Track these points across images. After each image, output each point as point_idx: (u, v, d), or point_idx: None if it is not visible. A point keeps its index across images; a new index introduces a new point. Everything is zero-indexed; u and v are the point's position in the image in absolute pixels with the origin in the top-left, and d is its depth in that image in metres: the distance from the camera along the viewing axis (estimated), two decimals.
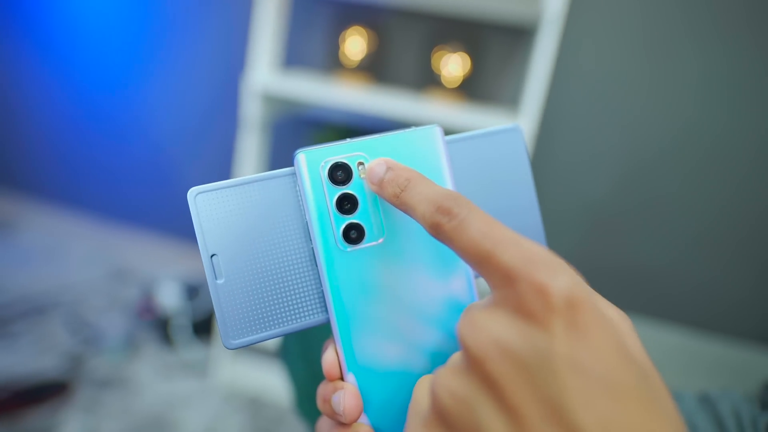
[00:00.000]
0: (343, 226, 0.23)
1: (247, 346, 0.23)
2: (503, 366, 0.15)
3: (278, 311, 0.23)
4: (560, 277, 0.15)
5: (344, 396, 0.22)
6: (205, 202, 0.23)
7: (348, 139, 0.24)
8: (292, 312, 0.23)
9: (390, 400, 0.23)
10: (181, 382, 1.08)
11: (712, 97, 1.08)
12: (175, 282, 1.26)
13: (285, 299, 0.23)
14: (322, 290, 0.24)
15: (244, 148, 0.98)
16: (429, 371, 0.23)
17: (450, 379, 0.16)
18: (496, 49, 1.15)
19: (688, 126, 1.11)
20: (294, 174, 0.24)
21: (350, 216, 0.23)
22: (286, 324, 0.23)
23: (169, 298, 1.22)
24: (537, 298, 0.15)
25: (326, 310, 0.24)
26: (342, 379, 0.23)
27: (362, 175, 0.23)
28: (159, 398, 1.02)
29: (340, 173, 0.23)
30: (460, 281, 0.24)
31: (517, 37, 1.13)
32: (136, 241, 1.54)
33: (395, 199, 0.21)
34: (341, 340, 0.23)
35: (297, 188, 0.24)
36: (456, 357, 0.18)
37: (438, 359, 0.24)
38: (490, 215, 0.19)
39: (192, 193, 0.22)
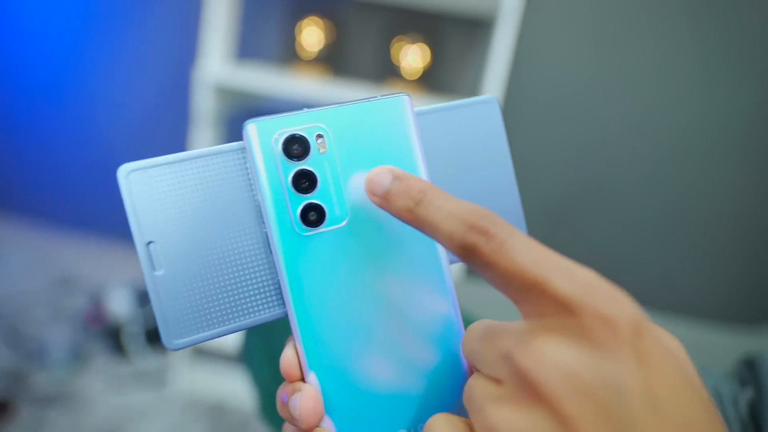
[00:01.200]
0: (301, 207, 0.20)
1: (191, 345, 0.20)
2: (581, 404, 0.14)
3: (227, 305, 0.20)
4: (625, 308, 0.14)
5: (301, 398, 0.19)
6: (139, 181, 0.19)
7: (305, 109, 0.21)
8: (244, 306, 0.21)
9: (359, 403, 0.21)
10: (135, 394, 1.02)
11: (668, 88, 1.12)
12: (126, 288, 1.19)
13: (235, 291, 0.20)
14: (278, 280, 0.21)
15: (196, 143, 0.93)
16: (404, 371, 0.21)
17: (514, 417, 0.15)
18: (455, 41, 1.14)
19: (644, 116, 1.14)
20: (243, 149, 0.21)
21: (308, 195, 0.20)
22: (236, 320, 0.21)
23: (120, 305, 1.15)
24: (604, 329, 0.14)
25: (283, 303, 0.21)
26: (303, 379, 0.20)
27: (321, 149, 0.21)
28: (112, 412, 0.96)
29: (296, 147, 0.20)
30: (434, 268, 0.21)
31: (475, 29, 1.13)
32: (82, 246, 1.45)
33: (408, 213, 0.19)
34: (301, 336, 0.20)
35: (247, 164, 0.21)
36: (509, 389, 0.15)
37: (409, 354, 0.21)
38: (530, 237, 0.17)
39: (123, 171, 0.19)
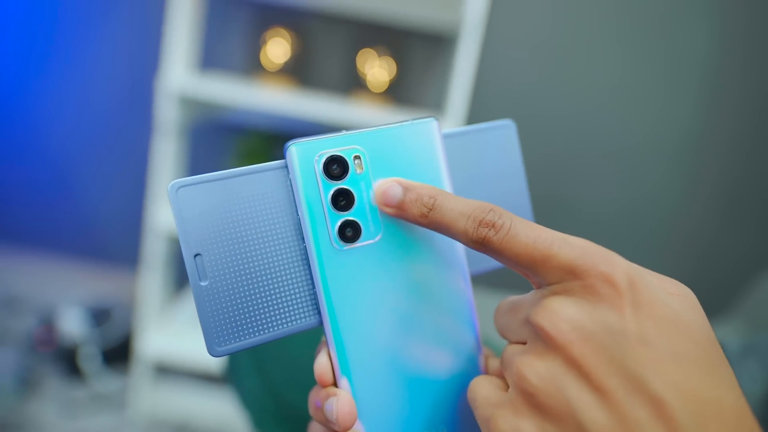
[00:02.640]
0: (339, 224, 0.22)
1: (233, 352, 0.21)
2: (585, 347, 0.16)
3: (267, 315, 0.22)
4: (620, 265, 0.17)
5: (338, 402, 0.21)
6: (187, 196, 0.21)
7: (343, 131, 0.23)
8: (283, 315, 0.22)
9: (386, 406, 0.22)
10: (93, 418, 0.96)
11: (622, 98, 1.19)
12: (79, 307, 1.13)
13: (275, 302, 0.22)
14: (315, 292, 0.22)
15: (160, 154, 0.90)
16: (427, 376, 0.23)
17: (536, 363, 0.17)
18: (419, 54, 1.17)
19: (601, 126, 1.21)
20: (285, 167, 0.22)
21: (346, 213, 0.22)
22: (275, 328, 0.22)
23: (73, 325, 1.09)
24: (605, 285, 0.17)
25: (319, 313, 0.22)
26: (335, 384, 0.22)
27: (358, 170, 0.22)
28: None
29: (335, 167, 0.22)
30: (459, 276, 0.23)
31: (439, 43, 1.17)
32: (28, 265, 1.36)
33: (423, 219, 0.21)
34: (335, 344, 0.22)
35: (288, 183, 0.22)
36: (531, 344, 0.18)
37: (438, 361, 0.23)
38: (529, 221, 0.20)
39: (173, 187, 0.20)
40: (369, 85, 1.09)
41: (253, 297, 0.21)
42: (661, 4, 1.15)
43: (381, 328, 0.22)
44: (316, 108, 0.85)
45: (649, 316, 0.16)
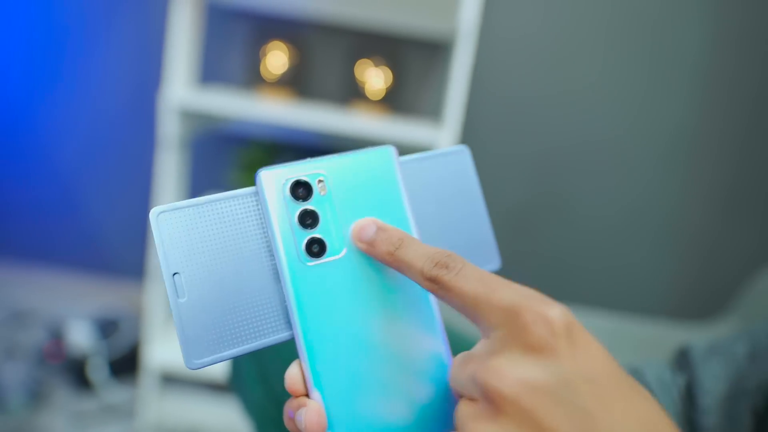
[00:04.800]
0: (305, 241, 0.24)
1: (210, 365, 0.23)
2: (534, 397, 0.17)
3: (242, 329, 0.23)
4: (555, 307, 0.18)
5: (307, 413, 0.22)
6: (167, 221, 0.23)
7: (308, 159, 0.25)
8: (256, 329, 0.23)
9: (357, 418, 0.23)
10: (102, 428, 0.98)
11: (617, 100, 1.20)
12: (86, 320, 1.15)
13: (249, 316, 0.23)
14: (286, 306, 0.24)
15: (163, 167, 0.92)
16: (397, 387, 0.23)
17: (487, 427, 0.18)
18: (416, 63, 1.19)
19: (595, 131, 1.22)
20: (255, 193, 0.24)
21: (312, 230, 0.24)
22: (250, 341, 0.23)
23: (82, 337, 1.11)
24: (542, 325, 0.18)
25: (290, 326, 0.24)
26: (307, 395, 0.23)
27: (322, 192, 0.24)
28: None
29: (301, 190, 0.24)
30: (421, 290, 0.25)
31: (435, 51, 1.18)
32: (36, 279, 1.38)
33: (389, 256, 0.23)
34: (307, 356, 0.23)
35: (259, 206, 0.24)
36: (482, 406, 0.19)
37: (407, 373, 0.24)
38: (477, 267, 0.21)
39: (154, 213, 0.22)
40: (367, 95, 1.10)
41: (228, 312, 0.23)
42: (653, 8, 1.16)
43: (350, 341, 0.23)
44: (315, 118, 0.87)
45: (586, 353, 0.18)
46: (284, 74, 1.10)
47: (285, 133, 1.22)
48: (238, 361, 0.48)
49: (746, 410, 0.31)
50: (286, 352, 0.43)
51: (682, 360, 0.36)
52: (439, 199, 0.27)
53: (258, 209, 0.24)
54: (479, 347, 0.20)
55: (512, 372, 0.18)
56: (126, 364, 1.12)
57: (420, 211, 0.26)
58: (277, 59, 1.09)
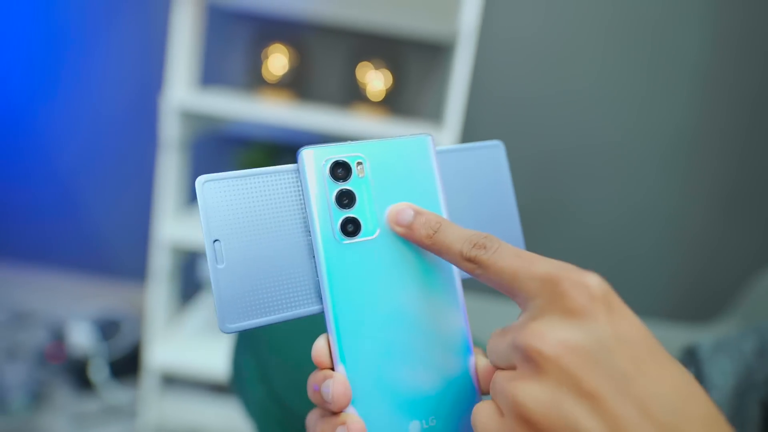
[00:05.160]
0: (341, 220, 0.24)
1: (241, 330, 0.23)
2: (573, 356, 0.18)
3: (275, 299, 0.24)
4: (592, 276, 0.19)
5: (333, 384, 0.22)
6: (211, 190, 0.23)
7: (348, 141, 0.26)
8: (288, 300, 0.24)
9: (379, 394, 0.24)
10: (103, 429, 0.98)
11: (617, 102, 1.21)
12: (87, 321, 1.15)
13: (282, 287, 0.24)
14: (318, 281, 0.24)
15: (164, 169, 0.92)
16: (419, 368, 0.24)
17: (529, 387, 0.18)
18: (417, 65, 1.19)
19: (595, 134, 1.22)
20: (297, 170, 0.25)
21: (348, 210, 0.25)
22: (281, 311, 0.24)
23: (83, 338, 1.11)
24: (581, 291, 0.19)
25: (321, 301, 0.24)
26: (332, 368, 0.24)
27: (360, 174, 0.25)
28: None
29: (340, 170, 0.25)
30: (449, 275, 0.26)
31: (436, 53, 1.19)
32: (38, 281, 1.39)
33: (428, 239, 0.24)
34: (335, 330, 0.24)
35: (299, 183, 0.25)
36: (521, 368, 0.20)
37: (429, 354, 0.24)
38: (513, 246, 0.22)
39: (200, 181, 0.23)
40: (367, 97, 1.11)
41: (263, 282, 0.24)
42: (653, 10, 1.16)
43: (377, 319, 0.24)
44: (316, 120, 0.87)
45: (623, 317, 0.18)
46: (285, 76, 1.10)
47: (286, 134, 1.23)
48: (238, 361, 0.48)
49: (755, 403, 0.31)
50: (286, 351, 0.44)
51: (689, 358, 0.36)
52: (471, 190, 0.28)
53: (298, 186, 0.25)
54: (519, 319, 0.21)
55: (553, 334, 0.18)
56: (127, 365, 1.13)
57: (453, 200, 0.27)
58: (277, 61, 1.10)
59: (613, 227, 1.27)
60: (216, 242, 0.23)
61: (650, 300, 1.30)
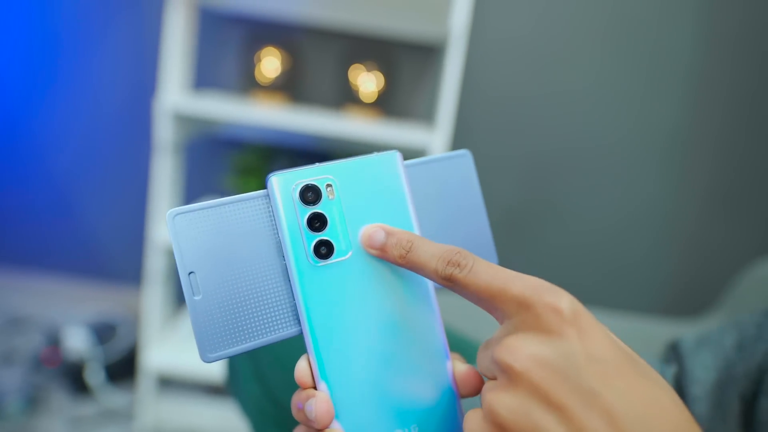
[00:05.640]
0: (314, 243, 0.25)
1: (223, 358, 0.24)
2: (543, 372, 0.19)
3: (253, 325, 0.24)
4: (564, 297, 0.20)
5: (316, 403, 0.23)
6: (182, 222, 0.24)
7: (316, 164, 0.26)
8: (267, 325, 0.25)
9: (362, 407, 0.24)
10: None
11: (608, 102, 1.22)
12: (82, 325, 1.15)
13: (259, 313, 0.24)
14: (295, 304, 0.25)
15: (158, 171, 0.93)
16: (399, 379, 0.25)
17: (503, 396, 0.20)
18: (409, 67, 1.20)
19: (585, 132, 1.23)
20: (267, 196, 0.25)
21: (320, 233, 0.25)
22: (260, 337, 0.24)
23: (79, 342, 1.11)
24: (553, 315, 0.20)
25: (299, 323, 0.25)
26: (314, 387, 0.24)
27: (330, 196, 0.25)
28: None
29: (310, 194, 0.25)
30: (422, 291, 0.26)
31: (427, 54, 1.20)
32: (33, 285, 1.38)
33: (401, 259, 0.24)
34: (313, 350, 0.24)
35: (270, 209, 0.25)
36: (499, 379, 0.21)
37: (408, 366, 0.25)
38: (488, 262, 0.22)
39: (170, 215, 0.23)
40: (360, 99, 1.11)
41: (241, 309, 0.24)
42: (646, 11, 1.18)
43: (355, 336, 0.25)
44: (309, 122, 0.88)
45: (592, 338, 0.19)
46: (278, 79, 1.11)
47: (279, 136, 1.23)
48: (234, 361, 0.49)
49: (734, 397, 0.32)
50: (281, 350, 0.44)
51: (672, 353, 0.37)
52: (441, 201, 0.28)
53: (269, 211, 0.25)
54: (497, 333, 0.22)
55: (525, 349, 0.19)
56: (123, 369, 1.13)
57: (423, 212, 0.28)
58: (270, 64, 1.10)
59: (605, 226, 1.28)
60: (191, 274, 0.23)
61: (642, 296, 1.32)
